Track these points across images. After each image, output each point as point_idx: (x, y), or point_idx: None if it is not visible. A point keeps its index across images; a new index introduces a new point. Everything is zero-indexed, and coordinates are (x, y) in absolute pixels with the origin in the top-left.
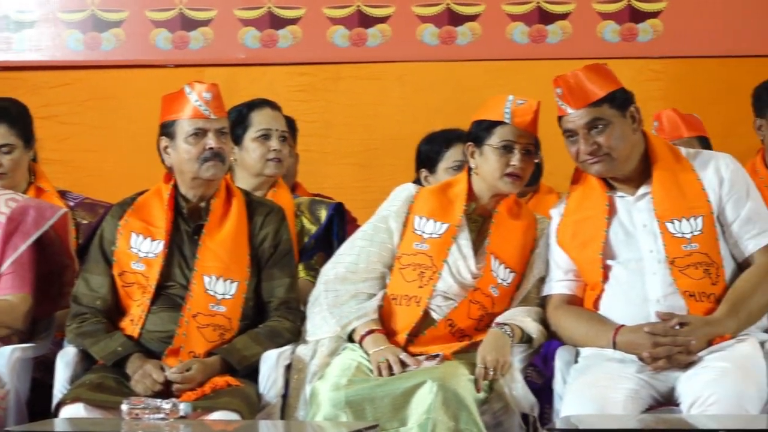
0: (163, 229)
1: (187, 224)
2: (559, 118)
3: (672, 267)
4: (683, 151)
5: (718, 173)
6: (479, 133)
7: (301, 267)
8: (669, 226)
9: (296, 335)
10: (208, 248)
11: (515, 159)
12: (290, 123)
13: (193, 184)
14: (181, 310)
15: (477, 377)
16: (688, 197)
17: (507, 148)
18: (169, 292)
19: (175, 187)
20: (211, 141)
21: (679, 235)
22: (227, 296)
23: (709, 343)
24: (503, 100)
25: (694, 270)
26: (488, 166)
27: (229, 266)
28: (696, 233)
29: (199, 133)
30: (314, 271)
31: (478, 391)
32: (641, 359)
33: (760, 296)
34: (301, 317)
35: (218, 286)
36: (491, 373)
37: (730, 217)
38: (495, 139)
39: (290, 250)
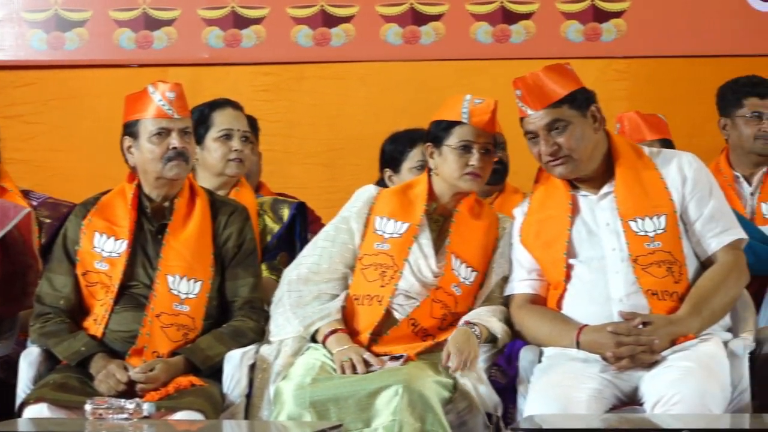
0: (127, 228)
1: (150, 224)
2: (521, 120)
3: (635, 265)
4: (646, 150)
5: (681, 172)
6: (438, 133)
7: (264, 266)
8: (632, 224)
9: (260, 335)
10: (172, 248)
11: (474, 158)
12: (252, 122)
13: (156, 184)
14: (144, 309)
15: (443, 355)
16: (650, 196)
17: (466, 148)
18: (133, 292)
19: (139, 186)
20: (174, 141)
21: (642, 233)
22: (191, 296)
23: (673, 343)
24: (460, 99)
25: (657, 268)
26: (448, 166)
27: (193, 266)
28: (659, 232)
29: (163, 133)
30: (277, 271)
31: (444, 365)
32: (605, 359)
33: (723, 295)
34: (265, 317)
35: (182, 285)
36: (456, 360)
37: (693, 215)
38: (453, 139)
39: (254, 249)
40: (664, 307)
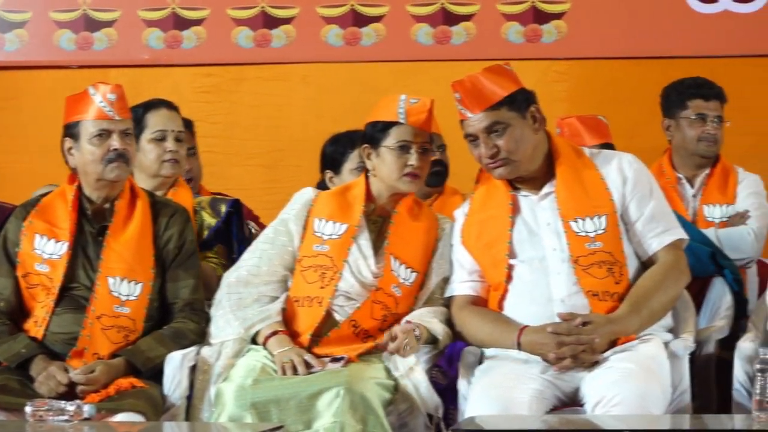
0: (67, 230)
1: (91, 225)
2: (461, 122)
3: (575, 266)
4: (586, 151)
5: (621, 172)
6: (374, 134)
7: (201, 255)
8: (573, 225)
9: (201, 337)
10: (113, 249)
11: (413, 159)
12: (188, 124)
13: (97, 186)
14: (85, 311)
15: (385, 337)
16: (591, 196)
17: (403, 148)
18: (74, 294)
19: (79, 188)
20: (115, 142)
21: (583, 233)
22: (131, 297)
23: (614, 343)
24: (396, 99)
25: (598, 269)
26: (386, 167)
27: (134, 267)
28: (599, 232)
29: (104, 134)
30: (216, 259)
31: (383, 344)
32: (546, 360)
33: (663, 294)
34: (206, 318)
35: (122, 287)
36: (398, 342)
37: (633, 215)
38: (391, 139)
39: (195, 251)
40: (604, 307)
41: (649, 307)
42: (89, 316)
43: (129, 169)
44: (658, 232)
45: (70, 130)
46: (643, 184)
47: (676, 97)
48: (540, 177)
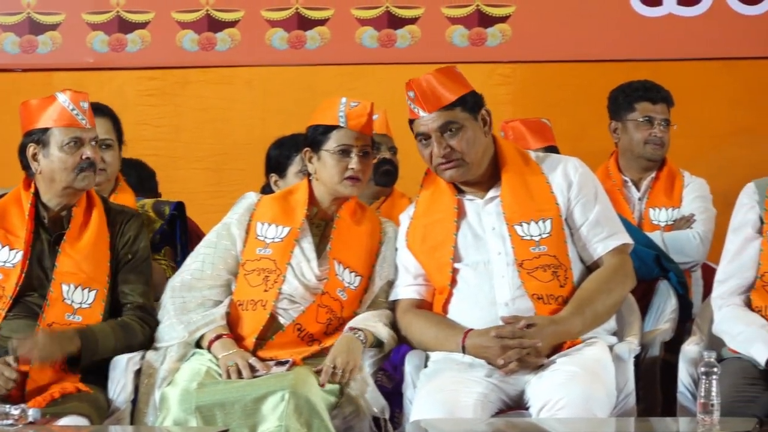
0: (23, 239)
1: (48, 233)
2: (411, 122)
3: (520, 269)
4: (532, 155)
5: (566, 176)
6: (315, 138)
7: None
8: (517, 228)
9: (148, 341)
10: (69, 256)
11: (353, 162)
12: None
13: (62, 193)
14: (37, 319)
15: (323, 375)
16: (536, 200)
17: (344, 152)
18: (28, 301)
19: (36, 194)
20: (87, 151)
21: (528, 237)
22: (84, 306)
23: (559, 347)
24: (336, 103)
25: (543, 272)
26: (327, 170)
27: (90, 275)
28: (544, 236)
29: (76, 143)
30: (165, 261)
31: (321, 386)
32: (490, 363)
33: (607, 297)
34: (155, 324)
35: (76, 295)
36: (339, 373)
37: (578, 220)
38: (331, 143)
39: (148, 257)
40: (548, 310)
41: (593, 310)
42: (41, 324)
43: (96, 177)
44: (603, 237)
45: (37, 136)
46: (588, 188)
47: (624, 99)
48: (485, 181)
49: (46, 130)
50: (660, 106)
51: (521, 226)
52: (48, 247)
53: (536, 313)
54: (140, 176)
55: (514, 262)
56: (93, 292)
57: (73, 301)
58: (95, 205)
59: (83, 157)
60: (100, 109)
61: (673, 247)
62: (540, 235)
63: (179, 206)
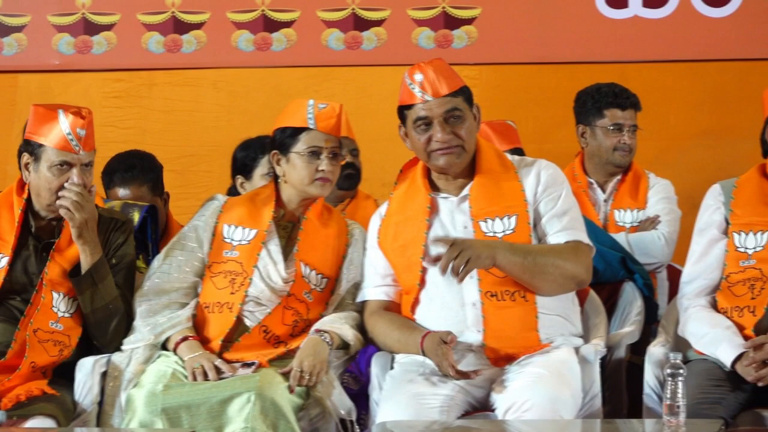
0: (10, 244)
1: (36, 240)
2: (405, 108)
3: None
4: (510, 157)
5: (537, 176)
6: (284, 140)
7: None
8: (482, 225)
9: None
10: (58, 265)
11: (323, 164)
12: None
13: (47, 209)
14: (17, 323)
15: (291, 379)
16: (505, 198)
17: (314, 154)
18: (9, 304)
19: (28, 200)
20: (74, 177)
21: (491, 233)
22: (67, 314)
23: (526, 350)
24: (304, 104)
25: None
26: (297, 173)
27: None
28: (507, 232)
29: (64, 166)
30: (145, 267)
31: (291, 392)
32: (439, 368)
33: (555, 257)
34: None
35: (62, 303)
36: (306, 377)
37: (541, 214)
38: (301, 145)
39: (133, 264)
40: (500, 307)
41: (534, 256)
42: (23, 329)
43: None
44: (557, 230)
45: (32, 148)
46: (555, 186)
47: (593, 105)
48: (462, 178)
49: (41, 145)
50: (629, 112)
51: (486, 222)
52: (35, 253)
53: (483, 313)
54: (156, 172)
55: None
56: (77, 302)
57: (59, 310)
58: None
59: (69, 180)
60: None
61: (638, 249)
62: (503, 231)
63: (151, 209)
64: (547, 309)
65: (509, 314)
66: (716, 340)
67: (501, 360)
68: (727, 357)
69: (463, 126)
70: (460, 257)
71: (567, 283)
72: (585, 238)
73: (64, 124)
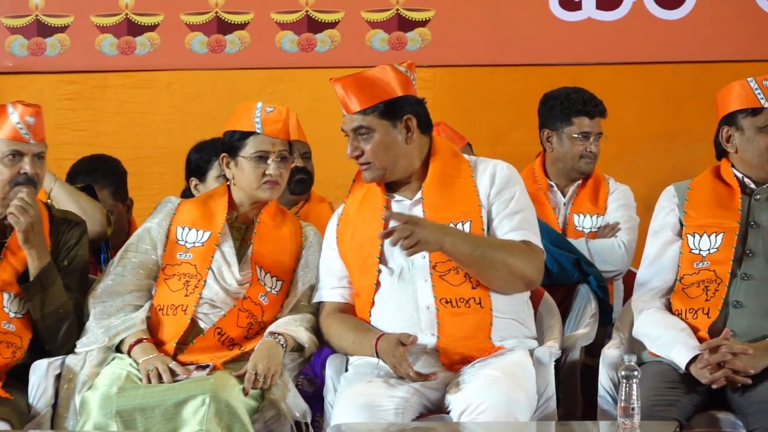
0: None
1: None
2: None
3: (433, 272)
4: (467, 157)
5: (492, 178)
6: (232, 144)
7: None
8: None
9: (72, 339)
10: (10, 265)
11: (271, 168)
12: None
13: (2, 203)
14: None
15: (246, 382)
16: (459, 202)
17: (261, 158)
18: None
19: None
20: (27, 166)
21: None
22: (18, 315)
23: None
24: (252, 108)
25: (455, 275)
26: (244, 176)
27: None
28: None
29: (16, 156)
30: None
31: (245, 394)
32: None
33: (505, 253)
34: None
35: (14, 304)
36: (261, 380)
37: (493, 216)
38: (248, 149)
39: (86, 266)
40: (455, 314)
41: (483, 249)
42: None
43: (36, 191)
44: (506, 231)
45: None
46: (508, 188)
47: (561, 111)
48: (416, 182)
49: None
50: (596, 120)
51: None
52: None
53: (438, 319)
54: (118, 176)
55: (429, 264)
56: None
57: (10, 310)
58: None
59: (21, 171)
60: None
61: (598, 256)
62: None
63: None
64: (501, 312)
65: (464, 321)
66: (671, 342)
67: (456, 363)
68: (681, 359)
69: (370, 144)
70: (411, 237)
71: (515, 281)
72: (536, 240)
73: (13, 114)
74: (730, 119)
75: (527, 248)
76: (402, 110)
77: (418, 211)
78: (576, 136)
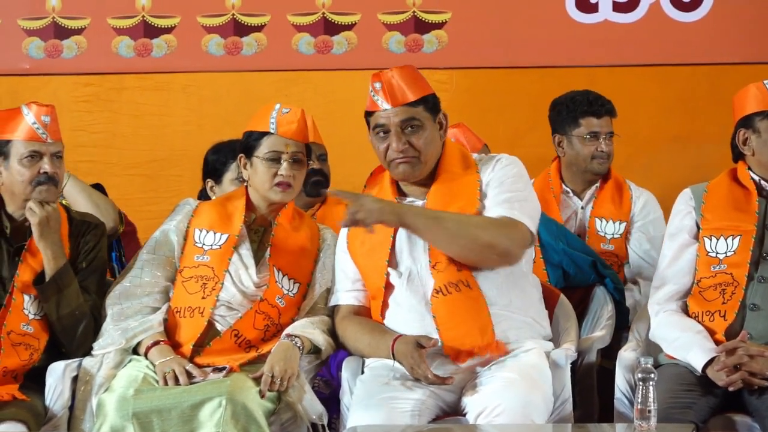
0: None
1: (9, 244)
2: (369, 114)
3: (433, 271)
4: (476, 157)
5: (492, 171)
6: (249, 144)
7: None
8: None
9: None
10: (30, 267)
11: (283, 169)
12: None
13: (23, 205)
14: None
15: (262, 384)
16: (459, 200)
17: (274, 159)
18: None
19: (1, 204)
20: (46, 165)
21: None
22: (37, 317)
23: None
24: (270, 109)
25: (456, 272)
26: (258, 177)
27: None
28: None
29: (35, 156)
30: None
31: (262, 397)
32: (410, 373)
33: (467, 220)
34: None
35: (33, 306)
36: (278, 382)
37: (486, 203)
38: (262, 150)
39: (103, 268)
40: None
41: (443, 221)
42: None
43: (57, 191)
44: (492, 205)
45: (0, 148)
46: (503, 174)
47: (567, 114)
48: (427, 183)
49: (8, 142)
50: (604, 120)
51: None
52: (8, 257)
53: (433, 312)
54: None
55: (428, 264)
56: None
57: (29, 312)
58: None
59: (41, 171)
60: None
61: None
62: None
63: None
64: (508, 308)
65: (455, 304)
66: (687, 344)
67: (462, 355)
68: (698, 361)
69: (421, 136)
70: (361, 212)
71: (484, 252)
72: (521, 218)
73: (29, 115)
74: (746, 122)
75: (503, 221)
76: (437, 106)
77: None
78: (585, 136)
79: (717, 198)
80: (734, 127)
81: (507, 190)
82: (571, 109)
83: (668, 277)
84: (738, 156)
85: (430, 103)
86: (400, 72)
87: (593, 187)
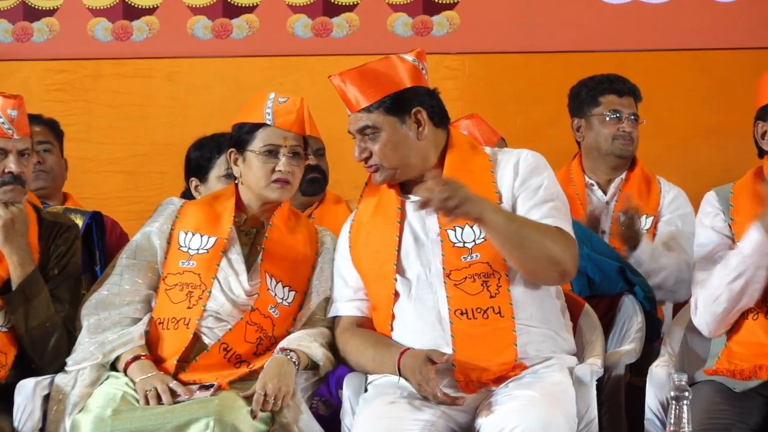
0: None
1: None
2: None
3: (447, 281)
4: (488, 150)
5: (515, 169)
6: (241, 137)
7: None
8: (450, 234)
9: (62, 354)
10: None
11: (281, 164)
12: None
13: None
14: None
15: (254, 403)
16: None
17: (271, 153)
18: None
19: None
20: (11, 164)
21: (460, 244)
22: (4, 329)
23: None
24: (264, 99)
25: (471, 283)
26: (253, 173)
27: None
28: (478, 241)
29: None
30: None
31: (254, 417)
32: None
33: (541, 234)
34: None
35: None
36: (271, 401)
37: (518, 208)
38: (257, 143)
39: (78, 273)
40: (471, 325)
41: (518, 224)
42: None
43: (25, 191)
44: (538, 219)
45: None
46: (534, 177)
47: (587, 94)
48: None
49: None
50: (627, 99)
51: (455, 230)
52: None
53: (452, 332)
54: None
55: (443, 272)
56: None
57: None
58: (28, 217)
59: (5, 170)
60: (35, 118)
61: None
62: (474, 240)
63: (96, 216)
64: (528, 321)
65: (481, 334)
66: (735, 251)
67: (472, 383)
68: (752, 234)
69: (377, 143)
70: (453, 198)
71: (549, 268)
72: (569, 229)
73: None
74: (764, 113)
75: (562, 235)
76: (410, 103)
77: (431, 211)
78: (605, 114)
79: (744, 199)
80: (755, 117)
81: (546, 198)
82: (591, 89)
83: (709, 272)
84: (762, 151)
85: (393, 103)
86: (351, 76)
87: (618, 180)
